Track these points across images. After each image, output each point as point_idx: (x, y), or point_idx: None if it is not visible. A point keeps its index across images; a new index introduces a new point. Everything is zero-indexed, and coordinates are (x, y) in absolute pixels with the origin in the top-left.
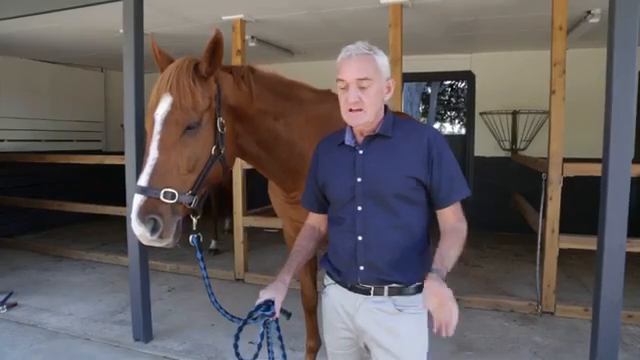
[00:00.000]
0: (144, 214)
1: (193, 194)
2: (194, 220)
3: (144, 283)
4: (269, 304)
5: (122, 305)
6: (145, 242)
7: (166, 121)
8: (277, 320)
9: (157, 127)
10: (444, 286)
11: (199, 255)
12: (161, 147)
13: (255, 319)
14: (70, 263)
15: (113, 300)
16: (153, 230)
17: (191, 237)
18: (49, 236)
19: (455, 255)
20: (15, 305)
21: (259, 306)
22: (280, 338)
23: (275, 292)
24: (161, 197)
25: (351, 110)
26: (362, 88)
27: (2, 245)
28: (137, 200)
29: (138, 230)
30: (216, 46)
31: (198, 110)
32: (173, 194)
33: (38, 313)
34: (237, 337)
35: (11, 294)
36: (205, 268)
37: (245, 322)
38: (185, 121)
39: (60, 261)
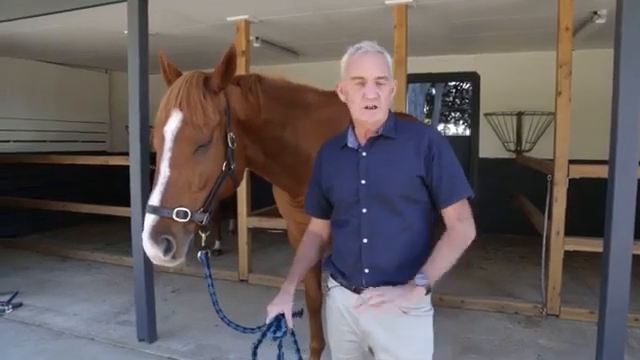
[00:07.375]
0: (157, 234)
1: (205, 211)
2: (203, 236)
3: (148, 284)
4: (279, 319)
5: (126, 306)
6: (157, 262)
7: (177, 138)
8: (292, 331)
9: (168, 144)
10: (407, 293)
11: (207, 272)
12: (172, 165)
13: (273, 338)
14: (75, 264)
15: (117, 301)
16: (166, 251)
17: (199, 253)
18: (54, 236)
19: (444, 258)
20: (20, 305)
21: (270, 325)
22: (295, 342)
23: (282, 305)
24: (174, 216)
25: (367, 107)
26: (379, 85)
27: (7, 245)
28: (149, 220)
29: (151, 251)
30: (230, 61)
31: (209, 126)
32: (186, 213)
33: (43, 313)
34: (254, 353)
35: (16, 294)
36: (213, 285)
37: (259, 343)
38: (197, 138)
39: (65, 262)
